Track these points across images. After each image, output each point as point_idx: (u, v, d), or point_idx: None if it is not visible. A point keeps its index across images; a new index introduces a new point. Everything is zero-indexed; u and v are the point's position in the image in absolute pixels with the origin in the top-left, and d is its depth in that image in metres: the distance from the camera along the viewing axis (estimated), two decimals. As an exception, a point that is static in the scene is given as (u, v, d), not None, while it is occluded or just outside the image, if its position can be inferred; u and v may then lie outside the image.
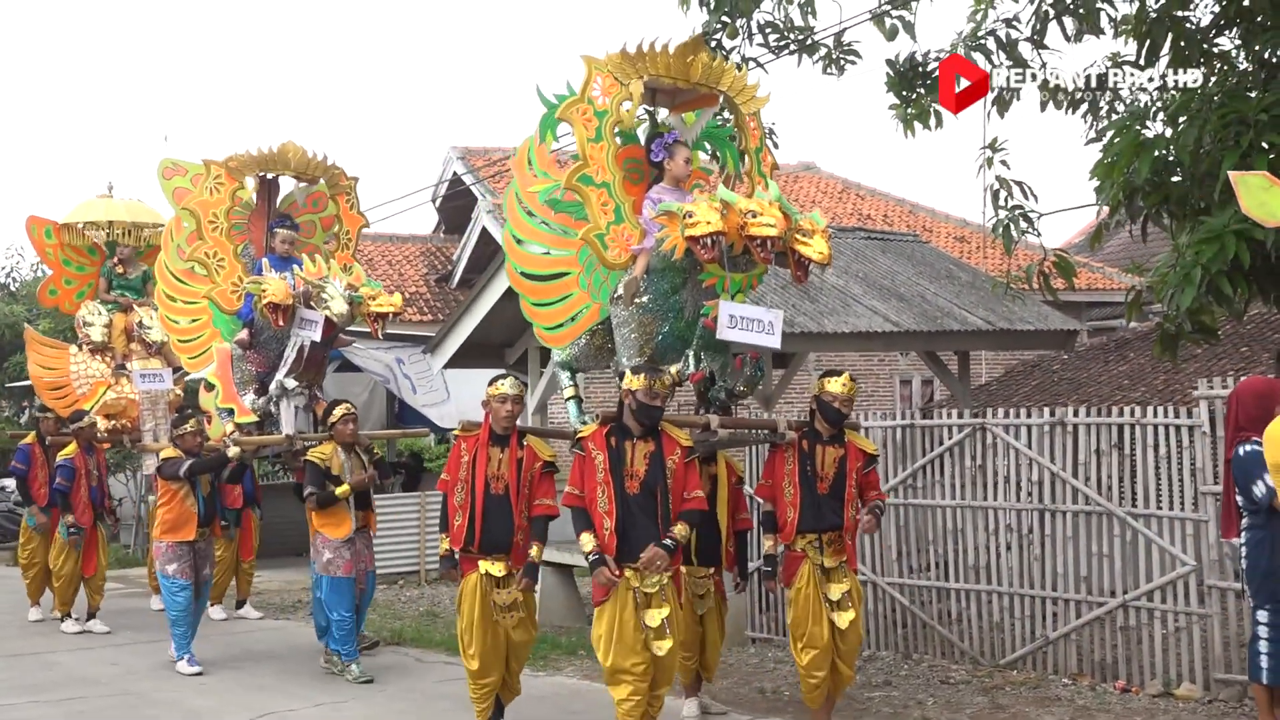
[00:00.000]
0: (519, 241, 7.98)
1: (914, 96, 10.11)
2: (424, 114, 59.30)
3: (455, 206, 22.13)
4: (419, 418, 15.77)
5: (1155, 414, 8.33)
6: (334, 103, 57.79)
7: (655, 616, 6.61)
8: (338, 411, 9.33)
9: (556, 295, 7.85)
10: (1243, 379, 7.09)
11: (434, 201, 22.34)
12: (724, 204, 6.74)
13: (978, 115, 9.68)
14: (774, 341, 6.97)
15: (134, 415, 12.78)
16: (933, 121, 10.13)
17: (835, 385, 7.33)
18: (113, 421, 12.84)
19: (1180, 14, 9.48)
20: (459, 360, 12.75)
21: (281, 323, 9.61)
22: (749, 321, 6.92)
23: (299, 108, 59.50)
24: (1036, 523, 8.87)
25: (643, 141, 7.77)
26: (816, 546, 7.32)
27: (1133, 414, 8.42)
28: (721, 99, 7.73)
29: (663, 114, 7.93)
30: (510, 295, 12.09)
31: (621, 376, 7.65)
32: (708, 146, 8.14)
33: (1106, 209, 9.30)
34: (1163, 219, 8.92)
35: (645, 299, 7.28)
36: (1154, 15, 9.61)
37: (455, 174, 21.42)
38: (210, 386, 10.63)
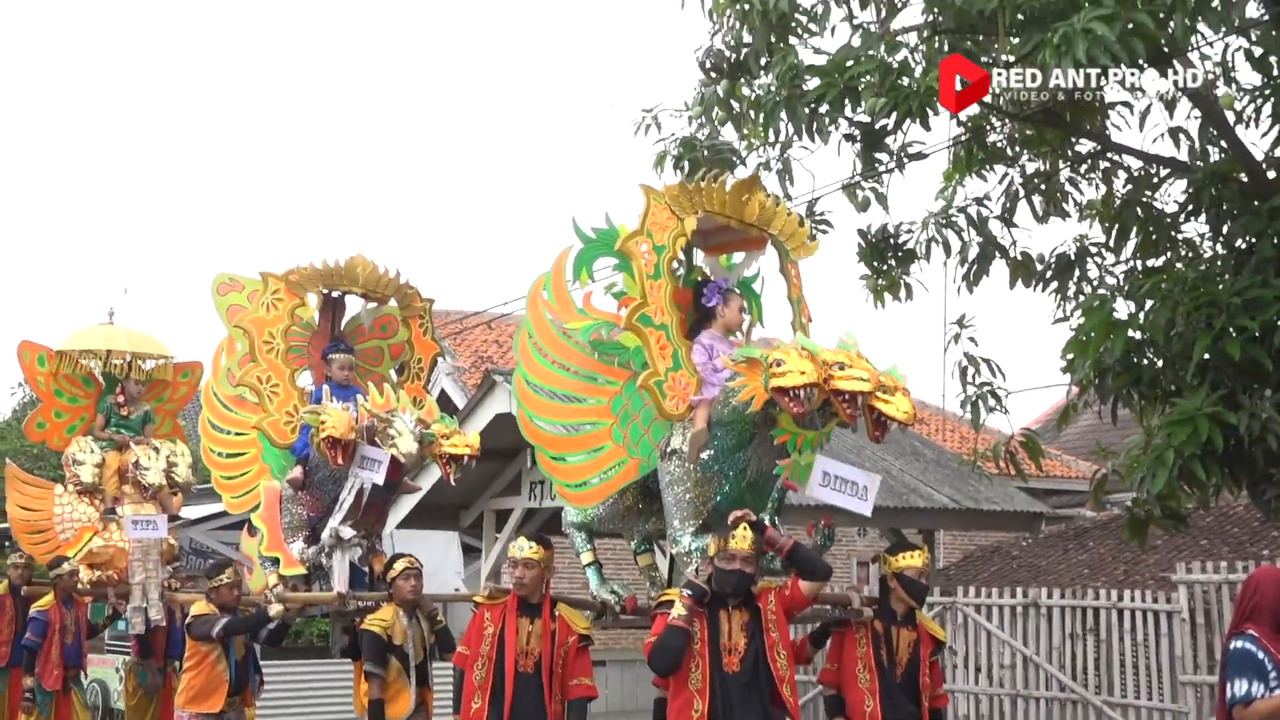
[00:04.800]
0: (534, 388, 7.12)
1: (885, 268, 10.13)
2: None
3: (412, 368, 21.92)
4: (363, 582, 15.19)
5: (1133, 598, 8.11)
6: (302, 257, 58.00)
7: None
8: (398, 565, 8.10)
9: (583, 449, 7.03)
10: (1263, 565, 6.79)
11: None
12: (808, 353, 6.13)
13: (939, 292, 9.67)
14: (866, 508, 6.26)
15: (122, 565, 11.05)
16: (903, 293, 10.15)
17: (915, 559, 6.75)
18: (97, 572, 11.29)
19: (1147, 199, 9.62)
20: (412, 521, 12.37)
21: (341, 460, 8.26)
22: (844, 483, 6.21)
23: (263, 262, 59.66)
24: (1008, 709, 8.53)
25: (680, 284, 7.11)
26: None
27: (1109, 597, 8.19)
28: (769, 243, 7.15)
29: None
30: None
31: (645, 540, 7.18)
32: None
33: (1075, 389, 9.23)
34: (1133, 400, 8.84)
35: (705, 455, 6.59)
36: (1122, 200, 9.74)
37: (415, 335, 21.30)
38: (254, 530, 9.29)
